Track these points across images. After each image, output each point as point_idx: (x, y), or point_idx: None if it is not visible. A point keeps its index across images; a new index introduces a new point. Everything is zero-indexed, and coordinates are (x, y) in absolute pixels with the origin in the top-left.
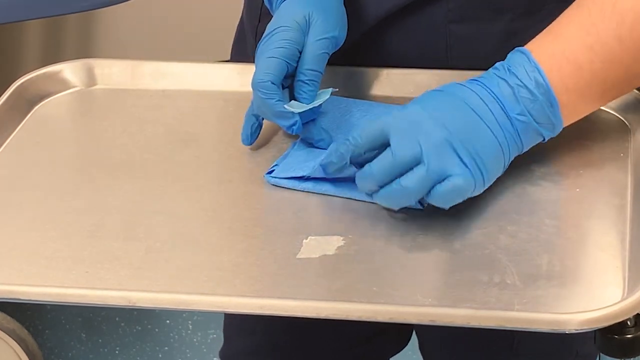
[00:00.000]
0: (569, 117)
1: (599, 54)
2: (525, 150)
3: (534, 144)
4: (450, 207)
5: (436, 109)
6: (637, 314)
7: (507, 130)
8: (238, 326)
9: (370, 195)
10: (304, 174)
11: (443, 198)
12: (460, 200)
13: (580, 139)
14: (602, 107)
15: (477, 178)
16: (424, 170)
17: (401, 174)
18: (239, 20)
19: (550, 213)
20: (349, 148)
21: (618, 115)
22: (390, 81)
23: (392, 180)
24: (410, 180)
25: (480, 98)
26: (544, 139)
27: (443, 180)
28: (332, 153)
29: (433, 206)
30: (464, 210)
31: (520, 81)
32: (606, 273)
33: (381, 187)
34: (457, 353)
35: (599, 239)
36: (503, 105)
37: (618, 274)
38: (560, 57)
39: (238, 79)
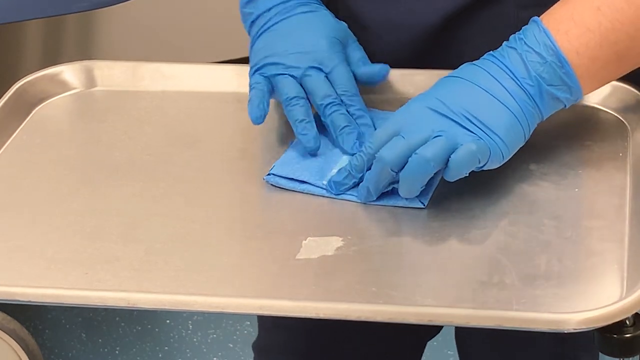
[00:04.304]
0: (586, 79)
1: (607, 15)
2: (546, 117)
3: (557, 109)
4: (449, 207)
5: (441, 95)
6: (636, 313)
7: (520, 98)
8: (274, 320)
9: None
10: (304, 179)
11: (460, 164)
12: (477, 165)
13: (579, 139)
14: (601, 107)
15: (491, 145)
16: (439, 139)
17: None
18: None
19: (549, 213)
20: (364, 158)
21: (617, 115)
22: (390, 82)
23: (404, 163)
24: (428, 149)
25: (489, 73)
26: (565, 105)
27: (456, 149)
28: (348, 169)
29: (432, 206)
30: (463, 211)
31: (529, 46)
32: (605, 273)
33: (396, 172)
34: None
35: (597, 238)
36: (514, 74)
37: (617, 274)
38: (567, 21)
39: (237, 80)
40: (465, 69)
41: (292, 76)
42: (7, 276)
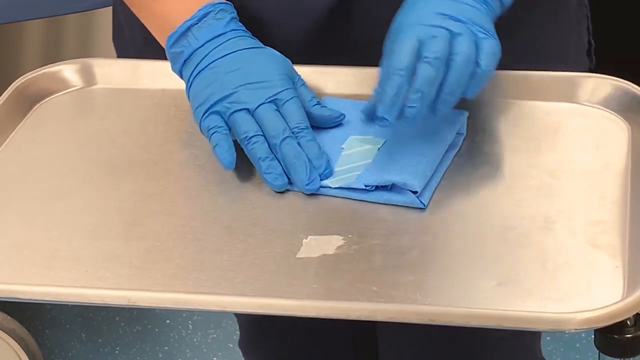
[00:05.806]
0: None
1: None
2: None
3: None
4: (449, 207)
5: (429, 9)
6: (637, 313)
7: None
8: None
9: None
10: None
11: (490, 53)
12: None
13: (580, 139)
14: (601, 107)
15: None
16: (467, 37)
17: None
18: None
19: (550, 213)
20: (403, 76)
21: (617, 115)
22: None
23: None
24: (462, 45)
25: None
26: None
27: (479, 43)
28: (395, 88)
29: (432, 206)
30: (464, 211)
31: None
32: (606, 273)
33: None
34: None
35: (598, 238)
36: None
37: (618, 274)
38: None
39: None
40: None
41: (247, 111)
42: (7, 274)
